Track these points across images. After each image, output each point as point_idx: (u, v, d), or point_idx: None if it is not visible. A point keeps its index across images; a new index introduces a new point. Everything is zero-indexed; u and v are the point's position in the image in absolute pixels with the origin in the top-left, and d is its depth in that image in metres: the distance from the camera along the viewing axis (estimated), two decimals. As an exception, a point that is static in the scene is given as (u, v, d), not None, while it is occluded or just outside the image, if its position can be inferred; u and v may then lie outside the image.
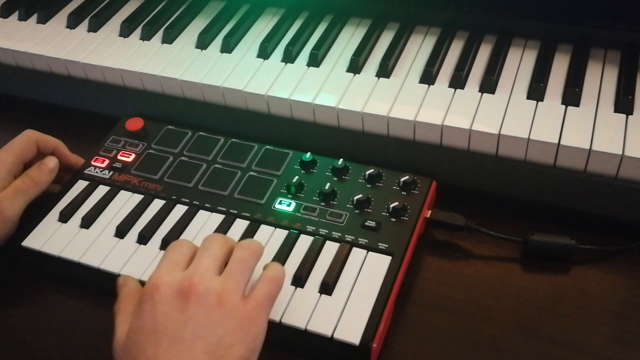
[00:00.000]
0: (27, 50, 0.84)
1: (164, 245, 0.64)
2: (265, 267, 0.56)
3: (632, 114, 0.65)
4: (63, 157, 0.73)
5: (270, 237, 0.64)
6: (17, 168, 0.68)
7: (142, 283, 0.56)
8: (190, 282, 0.49)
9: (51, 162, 0.69)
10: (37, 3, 0.91)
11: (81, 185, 0.71)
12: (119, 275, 0.62)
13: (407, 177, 0.67)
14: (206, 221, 0.66)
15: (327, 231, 0.64)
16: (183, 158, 0.73)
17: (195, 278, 0.50)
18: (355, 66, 0.75)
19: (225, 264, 0.53)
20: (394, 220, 0.64)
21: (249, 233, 0.64)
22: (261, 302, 0.51)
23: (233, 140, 0.75)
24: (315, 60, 0.76)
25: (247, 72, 0.76)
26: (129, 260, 0.63)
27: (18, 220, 0.66)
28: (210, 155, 0.73)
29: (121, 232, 0.66)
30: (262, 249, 0.55)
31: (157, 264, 0.54)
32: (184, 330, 0.47)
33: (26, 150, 0.69)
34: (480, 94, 0.69)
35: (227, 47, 0.80)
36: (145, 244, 0.65)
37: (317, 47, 0.77)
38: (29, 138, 0.70)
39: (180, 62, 0.79)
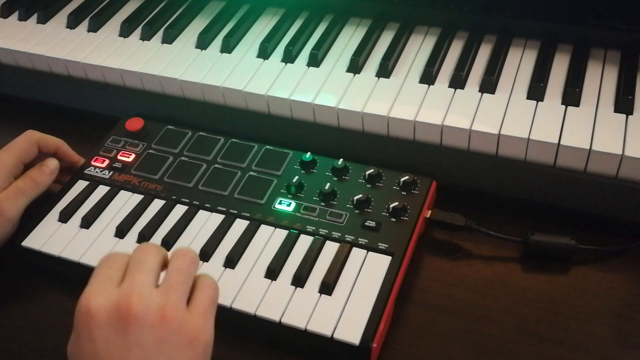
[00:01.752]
0: (27, 50, 0.84)
1: (164, 245, 0.64)
2: (197, 277, 0.52)
3: (632, 114, 0.65)
4: (65, 156, 0.73)
5: (270, 237, 0.64)
6: (17, 168, 0.68)
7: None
8: (127, 302, 0.45)
9: (52, 163, 0.69)
10: (37, 3, 0.91)
11: (81, 185, 0.71)
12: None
13: (407, 177, 0.67)
14: (206, 221, 0.66)
15: (327, 231, 0.64)
16: (183, 158, 0.73)
17: (133, 297, 0.45)
18: (355, 66, 0.75)
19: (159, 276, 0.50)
20: (394, 220, 0.64)
21: (249, 233, 0.64)
22: (205, 308, 0.49)
23: (233, 140, 0.75)
24: (315, 60, 0.76)
25: (247, 72, 0.76)
26: (129, 260, 0.63)
27: (18, 221, 0.66)
28: (210, 155, 0.73)
29: (121, 232, 0.66)
30: (197, 257, 0.52)
31: (88, 282, 0.49)
32: (129, 356, 0.44)
33: (27, 150, 0.69)
34: (480, 94, 0.69)
35: (227, 47, 0.80)
36: (145, 244, 0.65)
37: (317, 47, 0.77)
38: (30, 139, 0.70)
39: (180, 62, 0.79)
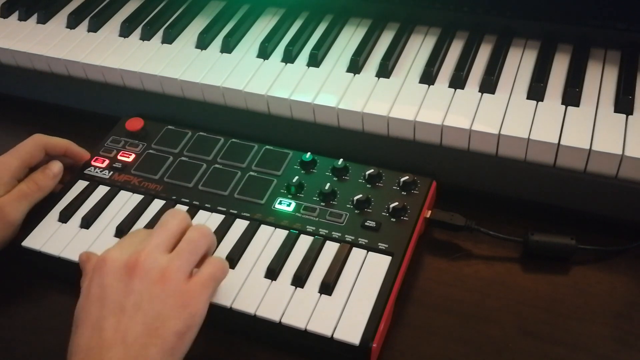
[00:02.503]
0: (27, 50, 0.84)
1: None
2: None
3: (632, 114, 0.65)
4: (75, 156, 0.73)
5: (270, 237, 0.64)
6: (21, 172, 0.68)
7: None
8: (137, 258, 0.52)
9: (55, 167, 0.70)
10: (37, 3, 0.91)
11: (81, 185, 0.71)
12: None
13: (407, 177, 0.67)
14: (206, 221, 0.66)
15: (327, 231, 0.64)
16: (183, 158, 0.73)
17: (142, 255, 0.52)
18: (355, 66, 0.75)
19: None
20: (394, 220, 0.64)
21: (249, 233, 0.64)
22: (204, 282, 0.53)
23: (233, 140, 0.75)
24: (315, 60, 0.76)
25: (247, 72, 0.76)
26: (129, 260, 0.63)
27: (20, 224, 0.66)
28: (210, 155, 0.73)
29: (121, 232, 0.66)
30: (212, 235, 0.57)
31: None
32: (126, 301, 0.50)
33: (33, 155, 0.69)
34: (480, 94, 0.69)
35: (227, 47, 0.80)
36: (145, 244, 0.65)
37: (317, 47, 0.77)
38: (36, 143, 0.69)
39: (180, 62, 0.79)
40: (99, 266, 0.53)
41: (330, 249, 0.62)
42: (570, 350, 0.57)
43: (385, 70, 0.73)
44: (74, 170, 0.73)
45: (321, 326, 0.56)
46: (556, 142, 0.63)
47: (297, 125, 0.73)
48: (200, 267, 0.55)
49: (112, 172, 0.73)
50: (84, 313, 0.51)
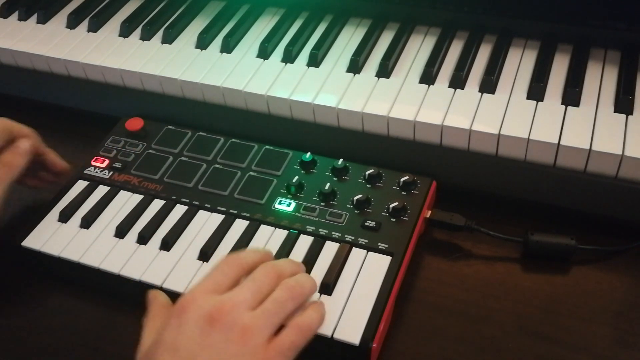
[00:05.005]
0: (27, 50, 0.84)
1: (164, 245, 0.64)
2: (303, 309, 0.54)
3: (632, 114, 0.65)
4: (49, 164, 0.71)
5: (270, 237, 0.64)
6: None
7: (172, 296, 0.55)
8: (220, 310, 0.49)
9: (23, 144, 0.67)
10: (37, 3, 0.91)
11: (81, 185, 0.71)
12: (119, 275, 0.62)
13: (407, 177, 0.67)
14: (206, 221, 0.66)
15: (327, 231, 0.64)
16: (183, 158, 0.74)
17: (226, 307, 0.49)
18: (355, 66, 0.75)
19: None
20: (394, 220, 0.64)
21: (249, 233, 0.64)
22: (283, 351, 0.50)
23: (233, 140, 0.75)
24: (315, 60, 0.76)
25: (247, 72, 0.76)
26: (129, 260, 0.63)
27: (2, 210, 0.64)
28: (210, 155, 0.73)
29: (121, 232, 0.66)
30: (305, 293, 0.53)
31: (202, 277, 0.52)
32: (200, 354, 0.47)
33: None
34: (480, 94, 0.69)
35: (227, 47, 0.80)
36: (145, 244, 0.65)
37: (317, 47, 0.77)
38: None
39: (180, 62, 0.79)
40: (181, 311, 0.49)
41: (330, 249, 0.62)
42: (570, 350, 0.57)
43: (385, 70, 0.73)
44: (55, 174, 0.72)
45: (321, 326, 0.56)
46: (556, 142, 0.63)
47: (297, 125, 0.73)
48: (285, 330, 0.51)
49: (112, 172, 0.73)
50: (153, 358, 0.48)
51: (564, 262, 0.64)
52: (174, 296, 0.60)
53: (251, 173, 0.71)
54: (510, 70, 0.72)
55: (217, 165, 0.72)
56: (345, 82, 0.73)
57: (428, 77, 0.72)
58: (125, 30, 0.85)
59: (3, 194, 0.64)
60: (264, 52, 0.79)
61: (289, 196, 0.68)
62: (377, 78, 0.73)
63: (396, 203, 0.64)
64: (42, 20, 0.89)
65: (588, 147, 0.62)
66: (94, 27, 0.86)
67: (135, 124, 0.77)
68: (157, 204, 0.69)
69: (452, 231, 0.66)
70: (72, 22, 0.87)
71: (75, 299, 0.65)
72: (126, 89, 0.81)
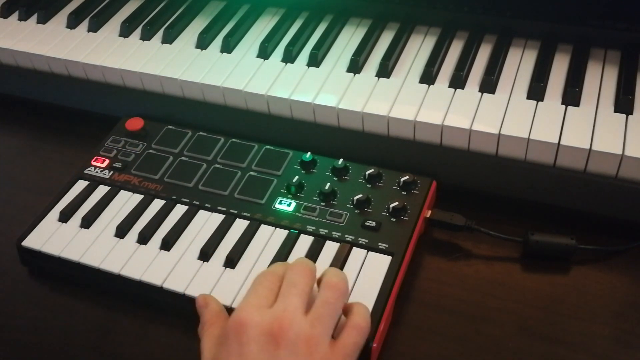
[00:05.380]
0: (27, 50, 0.84)
1: (164, 245, 0.64)
2: (351, 309, 0.53)
3: (632, 114, 0.65)
4: None
5: (270, 237, 0.64)
6: None
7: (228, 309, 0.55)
8: (280, 325, 0.48)
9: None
10: (37, 3, 0.91)
11: (81, 185, 0.71)
12: (119, 275, 0.62)
13: (407, 177, 0.67)
14: (206, 221, 0.66)
15: (327, 231, 0.64)
16: (183, 158, 0.74)
17: (285, 321, 0.48)
18: (355, 66, 0.75)
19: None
20: (394, 220, 0.64)
21: (249, 233, 0.64)
22: (348, 353, 0.50)
23: (233, 140, 0.75)
24: (315, 60, 0.76)
25: (247, 72, 0.76)
26: (129, 260, 0.63)
27: None
28: (210, 155, 0.73)
29: (121, 232, 0.66)
30: (347, 287, 0.53)
31: (244, 295, 0.52)
32: None
33: None
34: (480, 94, 0.69)
35: (227, 47, 0.80)
36: (145, 244, 0.65)
37: (317, 47, 0.77)
38: None
39: (180, 62, 0.79)
40: (238, 332, 0.48)
41: (330, 249, 0.62)
42: (570, 350, 0.57)
43: (385, 70, 0.73)
44: None
45: None
46: (556, 142, 0.63)
47: (297, 125, 0.73)
48: (343, 332, 0.51)
49: (112, 172, 0.73)
50: None
51: (564, 262, 0.64)
52: (174, 296, 0.61)
53: (251, 173, 0.71)
54: (511, 70, 0.72)
55: (217, 165, 0.72)
56: (345, 82, 0.73)
57: (428, 77, 0.72)
58: (126, 30, 0.85)
59: None
60: (264, 52, 0.79)
61: (289, 196, 0.68)
62: (377, 78, 0.73)
63: (396, 203, 0.65)
64: (42, 20, 0.89)
65: (588, 147, 0.62)
66: (94, 27, 0.86)
67: (135, 124, 0.77)
68: (157, 204, 0.69)
69: (452, 231, 0.66)
70: (72, 22, 0.87)
71: (75, 299, 0.65)
72: (126, 89, 0.81)
